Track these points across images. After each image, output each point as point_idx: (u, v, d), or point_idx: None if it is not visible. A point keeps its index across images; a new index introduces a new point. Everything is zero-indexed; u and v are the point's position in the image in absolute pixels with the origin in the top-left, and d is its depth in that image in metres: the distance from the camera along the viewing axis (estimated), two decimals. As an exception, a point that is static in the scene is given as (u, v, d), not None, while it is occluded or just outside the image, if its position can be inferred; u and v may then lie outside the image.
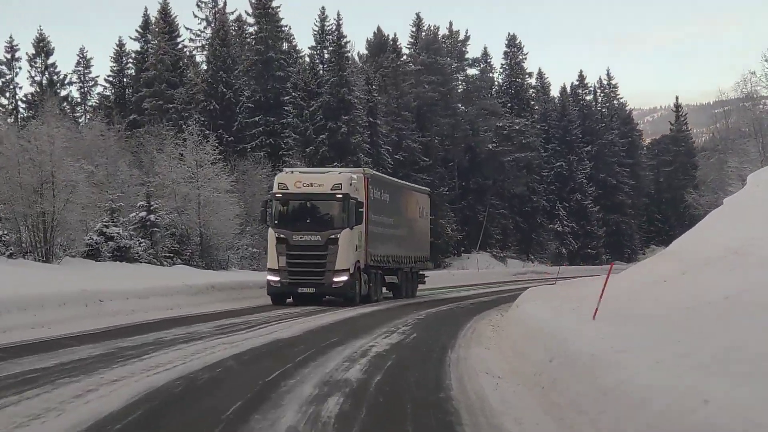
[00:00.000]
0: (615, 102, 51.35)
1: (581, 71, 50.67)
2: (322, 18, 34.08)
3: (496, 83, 46.75)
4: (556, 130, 47.13)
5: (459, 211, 38.43)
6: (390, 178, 19.93)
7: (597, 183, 46.72)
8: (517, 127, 40.02)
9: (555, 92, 51.52)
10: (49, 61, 32.86)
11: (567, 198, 45.44)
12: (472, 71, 44.15)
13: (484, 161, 39.99)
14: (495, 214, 40.76)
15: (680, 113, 56.13)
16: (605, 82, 51.44)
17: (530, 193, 43.06)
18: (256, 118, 30.47)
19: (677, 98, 57.66)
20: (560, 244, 44.00)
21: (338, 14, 36.07)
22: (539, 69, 50.82)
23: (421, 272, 18.88)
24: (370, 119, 31.82)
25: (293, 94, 29.80)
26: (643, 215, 51.22)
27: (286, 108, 30.03)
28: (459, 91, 40.71)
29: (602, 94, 51.14)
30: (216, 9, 35.60)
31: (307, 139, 29.08)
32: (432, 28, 41.65)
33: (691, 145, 54.03)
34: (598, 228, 45.27)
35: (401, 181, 20.49)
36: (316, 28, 34.41)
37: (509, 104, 45.73)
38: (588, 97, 50.13)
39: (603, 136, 47.51)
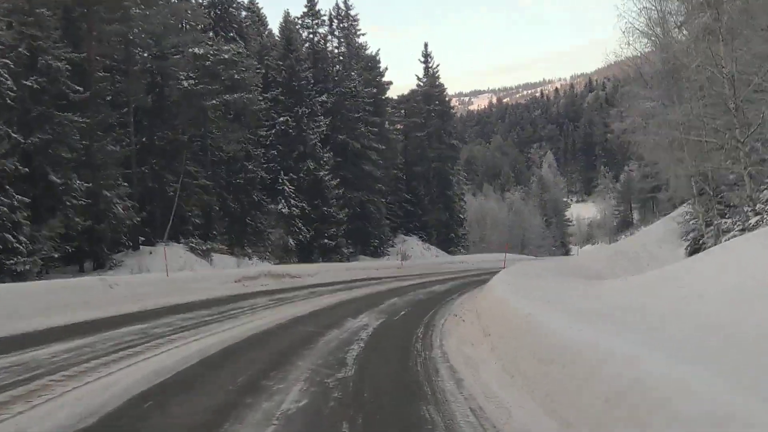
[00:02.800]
0: (356, 40, 51.43)
1: (311, -7, 49.37)
2: None
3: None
4: (278, 73, 45.01)
5: (138, 181, 33.09)
6: None
7: (336, 147, 45.93)
8: (225, 57, 36.26)
9: (275, 28, 50.04)
10: None
11: (295, 167, 43.49)
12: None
13: (176, 105, 35.33)
14: (193, 187, 36.39)
15: (430, 64, 59.25)
16: (343, 12, 51.16)
17: (245, 158, 39.98)
18: None
19: (426, 45, 60.85)
20: (287, 232, 41.74)
21: None
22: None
23: None
24: (-26, 11, 24.71)
25: None
26: (389, 194, 52.36)
27: None
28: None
29: (339, 29, 50.71)
30: None
31: None
32: None
33: (448, 106, 57.35)
34: (339, 209, 44.31)
35: None
36: None
37: (213, 29, 42.21)
38: (321, 30, 49.16)
39: (342, 84, 46.87)
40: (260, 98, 41.05)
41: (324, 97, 45.68)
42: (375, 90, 49.79)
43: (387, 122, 52.07)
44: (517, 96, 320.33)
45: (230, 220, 40.29)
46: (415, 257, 48.65)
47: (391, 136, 51.41)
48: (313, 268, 30.21)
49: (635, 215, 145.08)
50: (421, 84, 58.33)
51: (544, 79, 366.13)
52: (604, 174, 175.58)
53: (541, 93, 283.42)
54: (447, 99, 58.36)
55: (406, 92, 60.54)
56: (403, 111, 57.44)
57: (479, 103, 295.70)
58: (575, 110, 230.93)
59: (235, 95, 35.88)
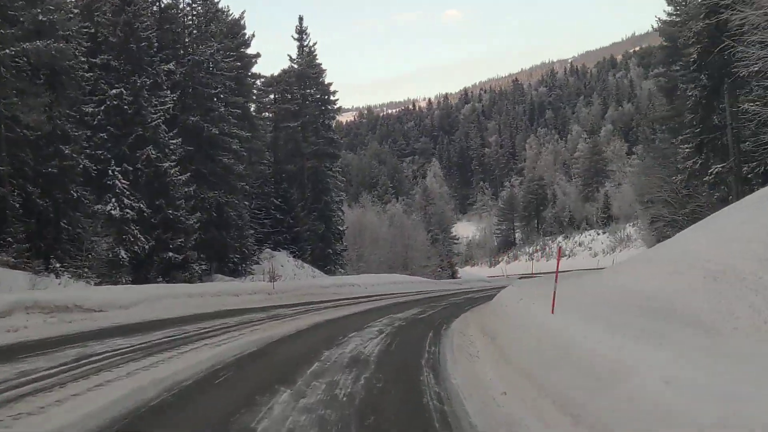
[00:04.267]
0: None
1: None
2: None
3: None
4: (111, 32, 36.55)
5: None
6: None
7: (186, 132, 37.84)
8: (29, -8, 27.51)
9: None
10: None
11: (131, 156, 35.03)
12: None
13: (-49, 53, 26.21)
14: (-23, 173, 27.34)
15: (305, 41, 52.12)
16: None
17: (61, 139, 31.22)
18: None
19: (301, 19, 53.32)
20: (118, 242, 33.13)
21: None
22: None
23: None
24: None
25: None
26: (254, 196, 44.64)
27: None
28: None
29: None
30: None
31: None
32: None
33: (328, 91, 50.41)
34: (189, 213, 36.17)
35: None
36: None
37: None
38: (169, -17, 40.87)
39: (196, 51, 38.83)
40: (83, 59, 32.46)
41: (171, 66, 37.40)
42: (238, 63, 41.96)
43: (253, 105, 44.45)
44: (382, 115, 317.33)
45: (37, 222, 31.23)
46: (287, 277, 41.15)
47: (258, 123, 43.71)
48: (133, 295, 21.04)
49: (518, 234, 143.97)
50: (295, 66, 50.98)
51: (408, 98, 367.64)
52: (483, 190, 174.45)
53: (414, 105, 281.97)
54: (326, 83, 51.32)
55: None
56: (273, 96, 49.91)
57: (343, 121, 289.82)
58: (450, 123, 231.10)
59: (39, 43, 27.06)
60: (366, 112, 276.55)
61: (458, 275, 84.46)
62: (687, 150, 28.14)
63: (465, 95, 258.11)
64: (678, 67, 35.13)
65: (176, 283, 31.80)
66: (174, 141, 36.44)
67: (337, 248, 52.87)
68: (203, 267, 37.60)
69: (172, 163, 35.66)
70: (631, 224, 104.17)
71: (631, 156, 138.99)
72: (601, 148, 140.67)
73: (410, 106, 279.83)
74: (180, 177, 36.05)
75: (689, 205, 29.76)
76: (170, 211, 35.29)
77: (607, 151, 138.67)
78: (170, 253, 35.08)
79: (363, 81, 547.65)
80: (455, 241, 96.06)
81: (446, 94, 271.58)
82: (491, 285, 53.20)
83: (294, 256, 47.22)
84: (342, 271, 52.90)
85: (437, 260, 79.00)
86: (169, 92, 36.95)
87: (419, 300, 31.31)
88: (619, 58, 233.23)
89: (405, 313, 22.17)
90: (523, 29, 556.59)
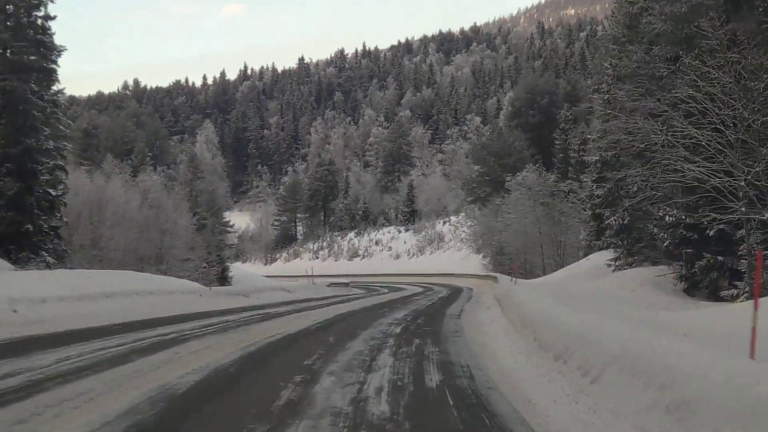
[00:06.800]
0: None
1: None
2: None
3: None
4: None
5: None
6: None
7: None
8: None
9: None
10: None
11: None
12: None
13: None
14: None
15: None
16: None
17: None
18: None
19: None
20: None
21: None
22: None
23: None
24: None
25: None
26: None
27: None
28: None
29: None
30: None
31: None
32: None
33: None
34: None
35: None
36: None
37: None
38: None
39: None
40: None
41: None
42: None
43: None
44: (150, 88, 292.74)
45: None
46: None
47: None
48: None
49: (300, 228, 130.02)
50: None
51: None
52: (261, 175, 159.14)
53: (187, 79, 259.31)
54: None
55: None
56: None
57: (106, 92, 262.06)
58: (227, 101, 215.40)
59: None
60: (132, 84, 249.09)
61: (230, 274, 67.98)
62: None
63: (244, 72, 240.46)
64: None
65: None
66: None
67: (46, 225, 34.65)
68: None
69: None
70: (442, 222, 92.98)
71: (439, 142, 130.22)
72: (406, 131, 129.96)
73: (182, 82, 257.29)
74: None
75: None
76: None
77: (409, 137, 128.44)
78: None
79: (136, 66, 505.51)
80: (229, 228, 79.59)
81: (223, 70, 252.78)
82: (306, 299, 37.98)
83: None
84: (53, 261, 34.92)
85: (204, 252, 62.21)
86: None
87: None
88: (415, 44, 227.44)
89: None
90: (314, 21, 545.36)
